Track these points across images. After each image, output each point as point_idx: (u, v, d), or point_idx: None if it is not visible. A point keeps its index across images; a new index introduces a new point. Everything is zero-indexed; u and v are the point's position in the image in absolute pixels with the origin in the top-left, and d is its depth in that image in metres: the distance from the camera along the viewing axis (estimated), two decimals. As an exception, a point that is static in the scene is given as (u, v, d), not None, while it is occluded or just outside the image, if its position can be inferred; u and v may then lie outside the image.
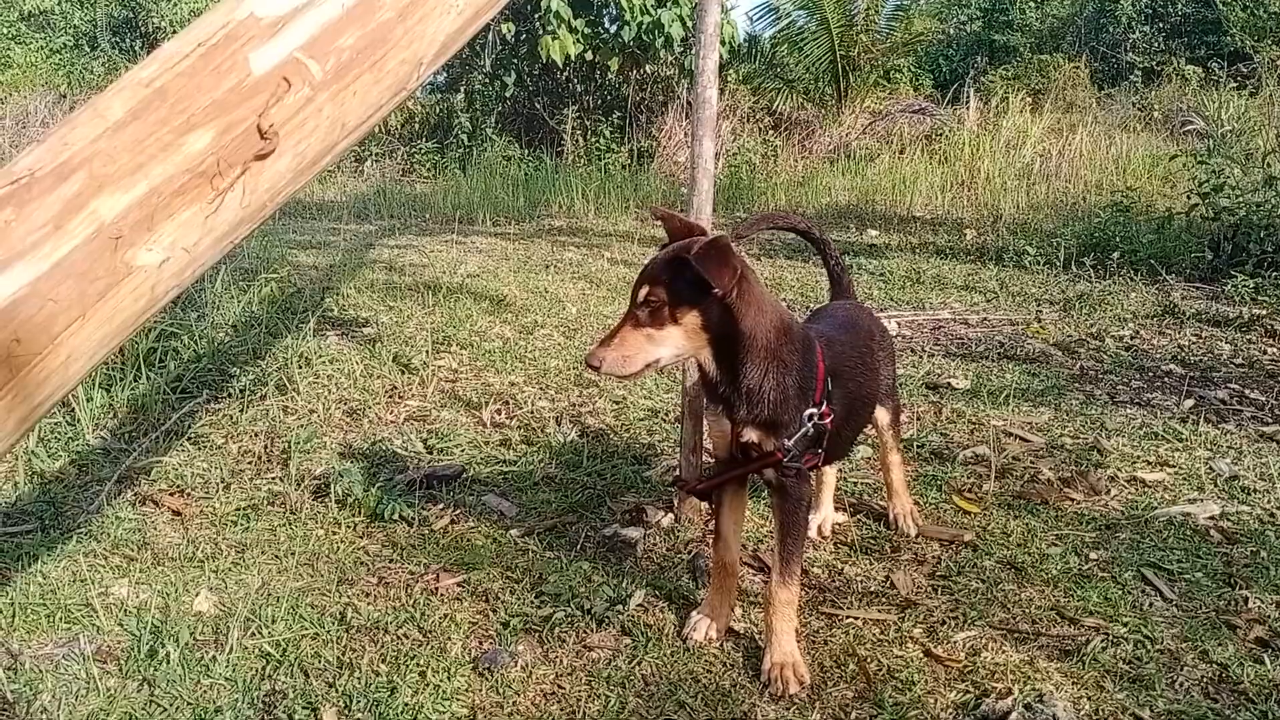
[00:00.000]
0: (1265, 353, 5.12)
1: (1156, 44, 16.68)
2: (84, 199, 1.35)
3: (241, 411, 4.00)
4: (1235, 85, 11.63)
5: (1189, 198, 7.42)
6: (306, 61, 1.51)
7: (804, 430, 2.33)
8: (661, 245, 2.37)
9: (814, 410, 2.35)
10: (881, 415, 2.97)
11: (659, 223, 2.46)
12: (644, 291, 2.21)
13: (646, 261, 2.29)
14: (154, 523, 3.18)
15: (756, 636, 2.50)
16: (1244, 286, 5.98)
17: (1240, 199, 6.96)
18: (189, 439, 3.79)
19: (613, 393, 4.46)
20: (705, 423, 2.81)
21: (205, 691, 2.29)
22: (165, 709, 2.23)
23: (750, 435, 2.33)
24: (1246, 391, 4.45)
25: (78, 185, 1.34)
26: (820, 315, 2.96)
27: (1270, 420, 4.05)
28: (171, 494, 3.38)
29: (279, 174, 1.54)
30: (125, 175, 1.37)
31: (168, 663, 2.38)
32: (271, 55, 1.47)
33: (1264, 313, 5.69)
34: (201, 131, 1.41)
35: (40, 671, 2.34)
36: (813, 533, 3.06)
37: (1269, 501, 3.26)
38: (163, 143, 1.39)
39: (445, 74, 17.05)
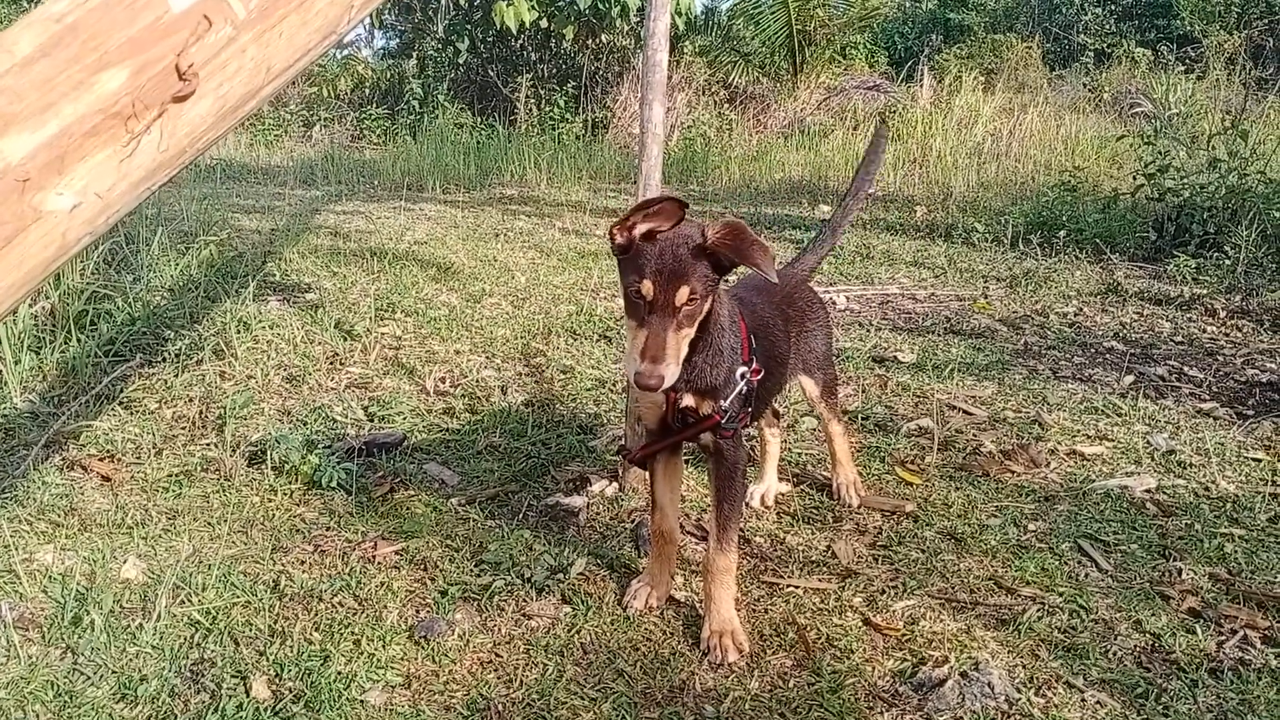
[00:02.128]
0: (1204, 331, 5.21)
1: (1108, 26, 16.88)
2: (-12, 139, 1.27)
3: (176, 376, 3.90)
4: (1183, 69, 11.80)
5: (1135, 179, 7.51)
6: (228, -1, 1.44)
7: (738, 389, 2.31)
8: (626, 224, 2.10)
9: (744, 369, 2.34)
10: (810, 386, 2.95)
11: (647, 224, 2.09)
12: (685, 292, 2.04)
13: (659, 256, 2.05)
14: (82, 488, 3.09)
15: (697, 605, 2.48)
16: (1186, 267, 6.07)
17: (1184, 181, 7.06)
18: (120, 403, 3.68)
19: (560, 362, 4.42)
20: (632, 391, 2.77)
21: (131, 660, 2.23)
22: (88, 677, 2.16)
23: (688, 400, 2.30)
24: (1185, 369, 4.52)
25: (-19, 124, 1.26)
26: (742, 280, 2.93)
27: (1207, 396, 4.12)
28: (101, 459, 3.28)
29: (199, 118, 1.47)
30: (33, 114, 1.29)
31: (92, 630, 2.31)
32: (190, -10, 1.40)
33: (1204, 292, 5.79)
34: (116, 70, 1.34)
35: (-43, 639, 2.26)
36: (755, 502, 3.06)
37: (1204, 476, 3.31)
38: (74, 81, 1.32)
39: (398, 39, 16.80)
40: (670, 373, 2.04)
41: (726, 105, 14.62)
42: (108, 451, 3.33)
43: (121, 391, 3.74)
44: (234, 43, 1.47)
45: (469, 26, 14.09)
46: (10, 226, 1.31)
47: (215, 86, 1.46)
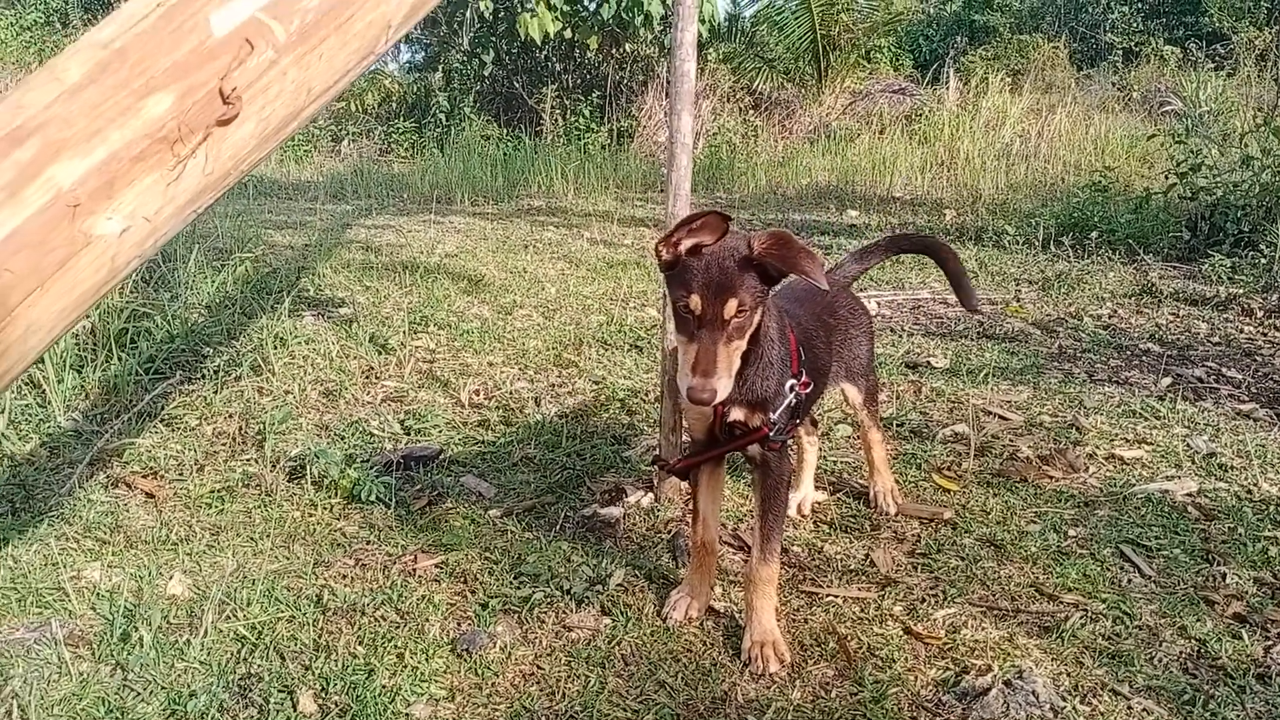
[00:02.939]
0: (1242, 331, 5.14)
1: (1135, 24, 16.72)
2: (40, 165, 1.29)
3: (215, 392, 3.94)
4: (1213, 66, 11.68)
5: (1167, 178, 7.44)
6: (269, 22, 1.46)
7: (787, 402, 2.31)
8: (671, 240, 2.10)
9: (794, 380, 2.33)
10: (854, 393, 2.95)
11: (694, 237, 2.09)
12: (733, 305, 2.03)
13: (705, 269, 2.05)
14: (127, 505, 3.13)
15: (737, 615, 2.48)
16: (1221, 266, 6.00)
17: (1217, 179, 6.98)
18: (162, 420, 3.73)
19: (592, 373, 4.43)
20: (682, 404, 2.77)
21: (179, 675, 2.25)
22: (138, 693, 2.19)
23: (737, 414, 2.30)
24: (1223, 369, 4.47)
25: (33, 151, 1.28)
26: (782, 290, 2.92)
27: (1247, 398, 4.07)
28: (144, 476, 3.33)
29: (243, 140, 1.49)
30: (83, 140, 1.32)
31: (141, 646, 2.34)
32: (233, 15, 1.41)
33: (1240, 292, 5.72)
34: (162, 95, 1.36)
35: (11, 656, 2.29)
36: (793, 511, 3.05)
37: (1246, 478, 3.27)
38: (122, 106, 1.34)
39: (423, 52, 16.93)
40: (723, 386, 2.04)
41: (751, 111, 14.62)
42: (151, 468, 3.38)
43: (163, 409, 3.79)
44: (275, 65, 1.49)
45: (494, 39, 14.19)
46: (61, 251, 1.34)
47: (258, 109, 1.49)
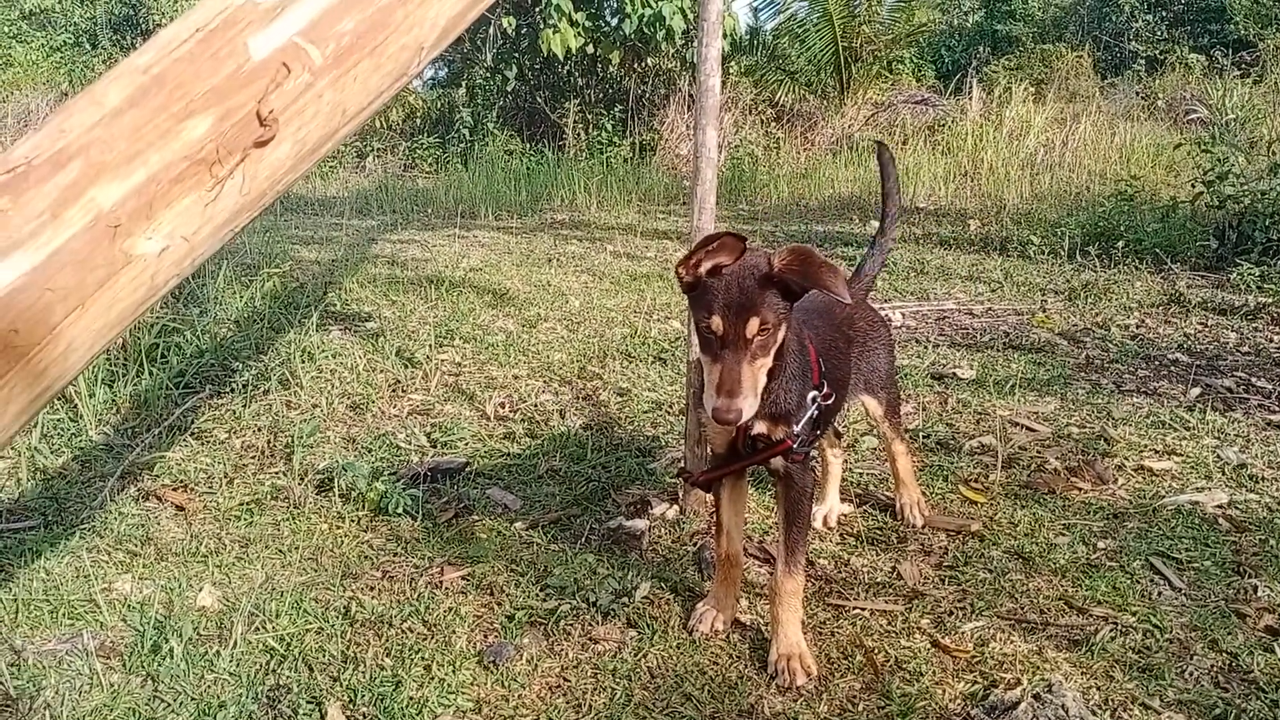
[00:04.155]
0: (1271, 341, 5.09)
1: (1160, 32, 16.61)
2: (81, 187, 1.33)
3: (244, 406, 3.99)
4: (1239, 73, 11.59)
5: (1193, 186, 7.38)
6: (306, 46, 1.49)
7: (809, 414, 2.32)
8: (690, 262, 2.11)
9: (815, 392, 2.34)
10: (874, 406, 2.95)
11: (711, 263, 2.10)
12: (755, 324, 2.04)
13: (727, 289, 2.06)
14: (157, 518, 3.17)
15: (763, 628, 2.48)
16: (1249, 275, 5.95)
17: (1245, 187, 6.92)
18: (192, 434, 3.78)
19: (616, 385, 4.45)
20: (704, 418, 2.78)
21: (209, 686, 2.28)
22: (169, 704, 2.22)
23: (760, 427, 2.31)
24: (1253, 380, 4.43)
25: (75, 173, 1.32)
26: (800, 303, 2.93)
27: (1277, 408, 4.03)
28: (175, 489, 3.37)
29: (279, 161, 1.52)
30: (123, 163, 1.35)
31: (171, 658, 2.37)
32: (270, 40, 1.45)
33: (1270, 301, 5.66)
34: (200, 118, 1.39)
35: (43, 667, 2.33)
36: (818, 524, 3.05)
37: (1277, 489, 3.24)
38: (161, 129, 1.37)
39: (446, 69, 17.06)
40: (748, 405, 2.04)
41: (773, 124, 14.63)
42: (181, 482, 3.42)
43: (192, 422, 3.84)
44: (311, 88, 1.52)
45: (516, 54, 14.29)
46: (102, 271, 1.37)
47: (294, 131, 1.52)
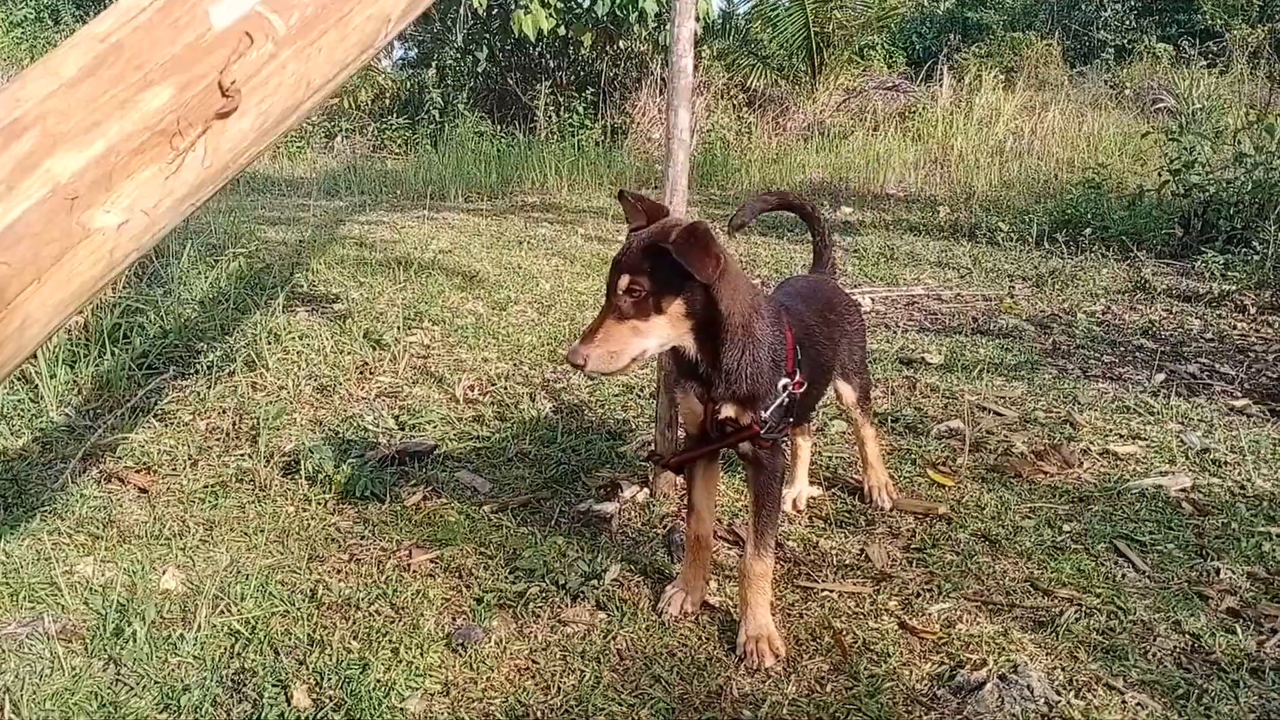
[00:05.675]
0: (1235, 328, 5.16)
1: (1128, 22, 16.72)
2: (37, 158, 1.29)
3: (209, 388, 3.93)
4: (1206, 63, 11.70)
5: (1160, 175, 7.45)
6: (269, 16, 1.45)
7: (780, 401, 2.31)
8: (633, 228, 2.28)
9: (787, 380, 2.34)
10: (848, 391, 2.95)
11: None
12: (625, 281, 2.10)
13: (620, 249, 2.18)
14: (120, 500, 3.12)
15: (732, 610, 2.48)
16: (1214, 263, 6.01)
17: (1210, 176, 7.00)
18: (155, 416, 3.72)
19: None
20: (676, 399, 2.78)
21: (173, 670, 2.25)
22: (131, 688, 2.19)
23: (728, 411, 2.30)
24: (1217, 366, 4.48)
25: (30, 144, 1.28)
26: (782, 287, 2.94)
27: (1240, 394, 4.08)
28: (138, 471, 3.32)
29: (242, 133, 1.49)
30: (81, 133, 1.32)
31: (134, 641, 2.33)
32: (232, 9, 1.41)
33: (1233, 288, 5.74)
34: (160, 88, 1.36)
35: (3, 651, 2.29)
36: (787, 506, 3.05)
37: (1239, 474, 3.28)
38: (119, 100, 1.34)
39: (416, 49, 16.89)
40: (595, 356, 2.10)
41: (745, 109, 14.59)
42: (144, 464, 3.37)
43: (156, 404, 3.78)
44: (275, 59, 1.49)
45: (487, 35, 14.16)
46: (59, 244, 1.33)
47: (257, 102, 1.49)
